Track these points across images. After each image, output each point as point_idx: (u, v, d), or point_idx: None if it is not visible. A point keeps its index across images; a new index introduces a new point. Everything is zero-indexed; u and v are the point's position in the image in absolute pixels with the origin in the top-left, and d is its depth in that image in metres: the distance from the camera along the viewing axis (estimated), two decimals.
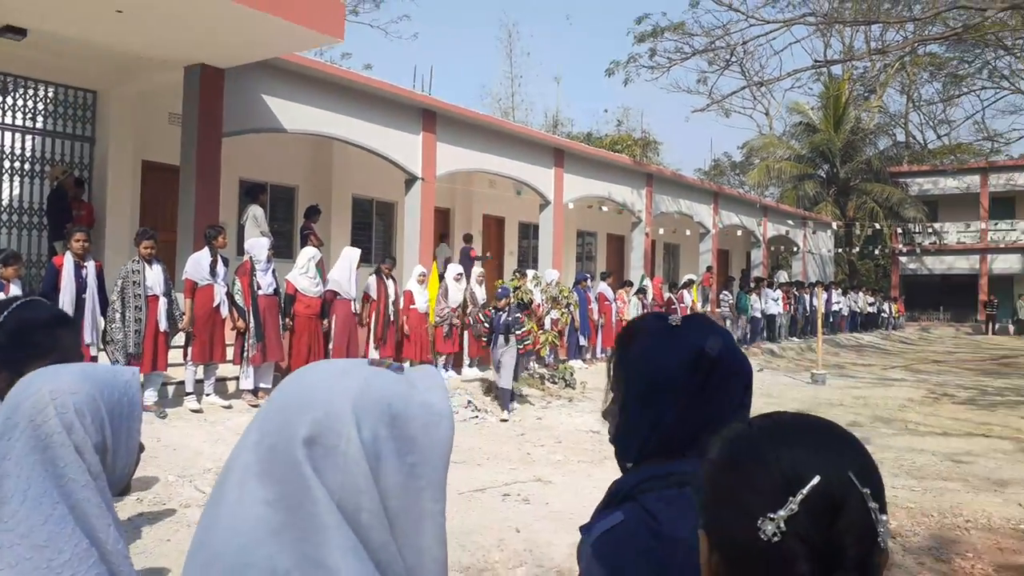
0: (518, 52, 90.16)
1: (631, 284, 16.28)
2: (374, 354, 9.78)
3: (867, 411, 11.01)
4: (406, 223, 13.44)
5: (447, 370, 11.04)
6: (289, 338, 8.63)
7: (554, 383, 11.83)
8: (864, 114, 37.25)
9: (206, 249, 8.00)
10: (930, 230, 34.07)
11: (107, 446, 1.11)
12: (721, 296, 19.53)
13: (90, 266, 7.15)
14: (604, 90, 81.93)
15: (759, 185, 33.84)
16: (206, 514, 0.77)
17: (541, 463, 7.18)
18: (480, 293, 11.84)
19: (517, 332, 9.40)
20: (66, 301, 6.82)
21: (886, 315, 30.03)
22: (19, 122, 10.23)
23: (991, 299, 32.09)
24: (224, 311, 8.00)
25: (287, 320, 8.58)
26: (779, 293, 21.21)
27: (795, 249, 29.31)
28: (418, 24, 65.46)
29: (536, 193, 16.35)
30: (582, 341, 13.91)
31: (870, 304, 28.51)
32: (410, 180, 13.18)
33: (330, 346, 9.08)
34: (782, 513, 0.71)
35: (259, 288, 8.18)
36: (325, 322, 8.99)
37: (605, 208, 19.34)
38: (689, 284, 18.36)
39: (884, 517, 0.73)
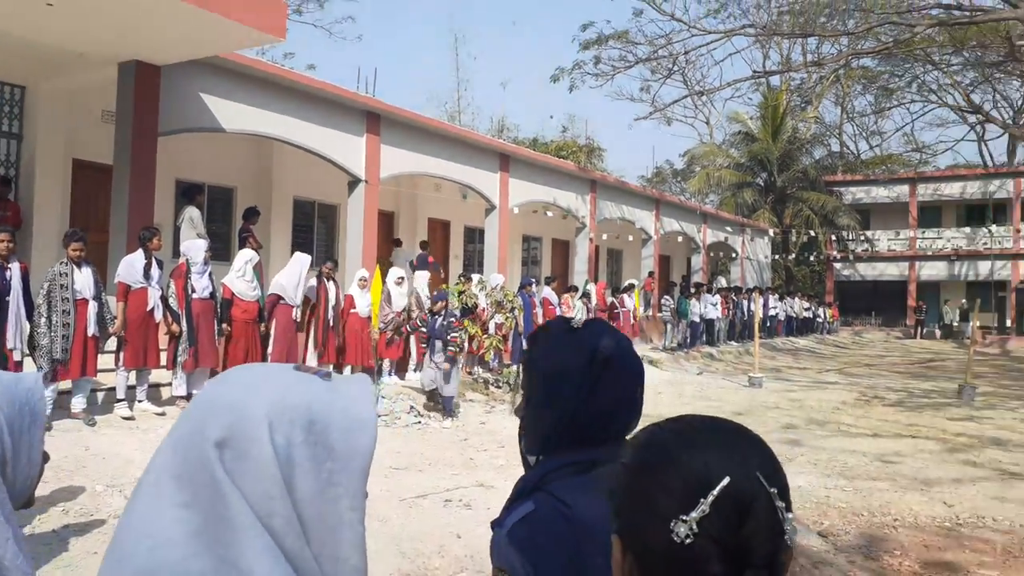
0: (464, 56, 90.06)
1: (576, 289, 16.41)
2: (312, 359, 9.64)
3: (802, 413, 11.29)
4: (349, 226, 13.29)
5: (390, 375, 10.93)
6: (225, 343, 8.43)
7: (498, 387, 11.83)
8: (801, 124, 38.35)
9: (140, 251, 7.77)
10: (862, 238, 35.23)
11: (6, 458, 1.06)
12: (662, 301, 19.82)
13: (14, 267, 6.86)
14: (550, 96, 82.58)
15: (699, 192, 34.53)
16: (122, 517, 0.76)
17: (484, 468, 7.17)
18: (427, 299, 11.79)
19: (449, 336, 9.30)
20: None
21: (821, 320, 30.91)
22: None
23: (919, 304, 33.35)
24: (158, 315, 7.78)
25: (224, 325, 8.38)
26: (718, 298, 21.63)
27: (734, 255, 29.97)
28: (363, 26, 64.89)
29: (482, 197, 16.36)
30: (526, 346, 13.93)
31: (805, 309, 29.32)
32: (353, 182, 13.04)
33: (269, 351, 8.92)
34: (694, 515, 0.72)
35: (194, 291, 7.97)
36: (263, 326, 8.82)
37: (550, 213, 19.47)
38: (630, 289, 18.58)
39: (790, 515, 0.75)
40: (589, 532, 1.09)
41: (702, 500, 0.72)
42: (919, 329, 32.58)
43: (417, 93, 77.51)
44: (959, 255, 33.61)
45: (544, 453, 1.25)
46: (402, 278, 11.07)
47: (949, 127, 52.49)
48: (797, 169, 33.63)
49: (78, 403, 7.12)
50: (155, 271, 7.79)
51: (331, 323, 9.89)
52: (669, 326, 19.58)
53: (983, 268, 33.14)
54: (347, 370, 10.33)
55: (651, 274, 22.48)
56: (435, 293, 10.19)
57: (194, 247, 8.29)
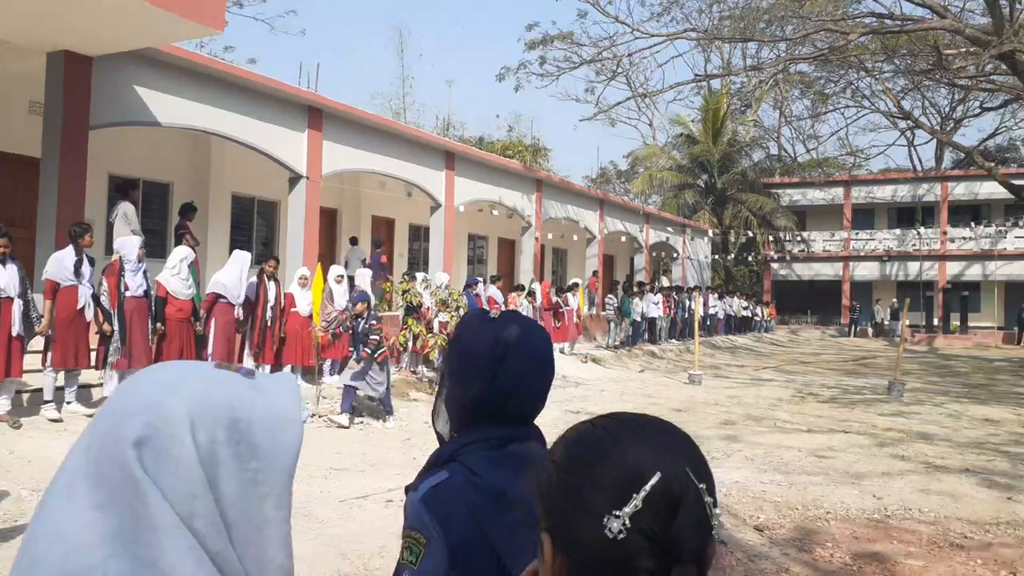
0: (410, 53, 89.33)
1: (523, 288, 16.46)
2: (248, 360, 9.45)
3: (740, 410, 11.54)
4: (290, 223, 13.06)
5: (331, 375, 10.79)
6: (158, 343, 8.20)
7: None
8: (740, 127, 39.23)
9: (70, 248, 7.50)
10: (799, 238, 36.21)
11: None
12: (606, 300, 20.03)
13: None
14: (496, 95, 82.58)
15: (642, 193, 34.99)
16: (32, 522, 0.73)
17: None
18: (372, 297, 11.65)
19: (371, 338, 8.93)
20: None
21: (759, 319, 31.66)
22: None
23: (853, 304, 34.43)
24: (89, 314, 7.52)
25: (158, 324, 8.15)
26: (660, 297, 21.97)
27: (675, 255, 30.48)
28: (306, 20, 63.87)
29: (427, 195, 16.27)
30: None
31: (744, 308, 30.00)
32: (294, 179, 12.82)
33: (208, 351, 8.72)
34: (627, 510, 0.73)
35: (127, 289, 7.74)
36: (198, 325, 8.61)
37: (496, 212, 19.48)
38: (574, 288, 18.73)
39: (717, 511, 0.76)
40: (497, 499, 1.23)
41: (635, 495, 0.73)
42: (852, 328, 33.65)
43: (361, 89, 76.67)
44: (890, 256, 34.82)
45: (457, 431, 1.37)
46: (342, 276, 10.92)
47: (881, 132, 54.35)
48: (736, 171, 34.40)
49: (2, 405, 6.85)
50: (86, 268, 7.53)
51: (269, 322, 9.71)
52: (612, 324, 19.81)
53: (912, 269, 34.41)
54: (286, 369, 10.16)
55: (595, 273, 22.70)
56: (354, 294, 9.88)
57: (128, 244, 8.06)
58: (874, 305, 34.79)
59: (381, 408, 9.31)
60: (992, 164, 23.61)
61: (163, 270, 8.55)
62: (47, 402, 7.28)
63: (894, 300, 33.28)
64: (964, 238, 33.06)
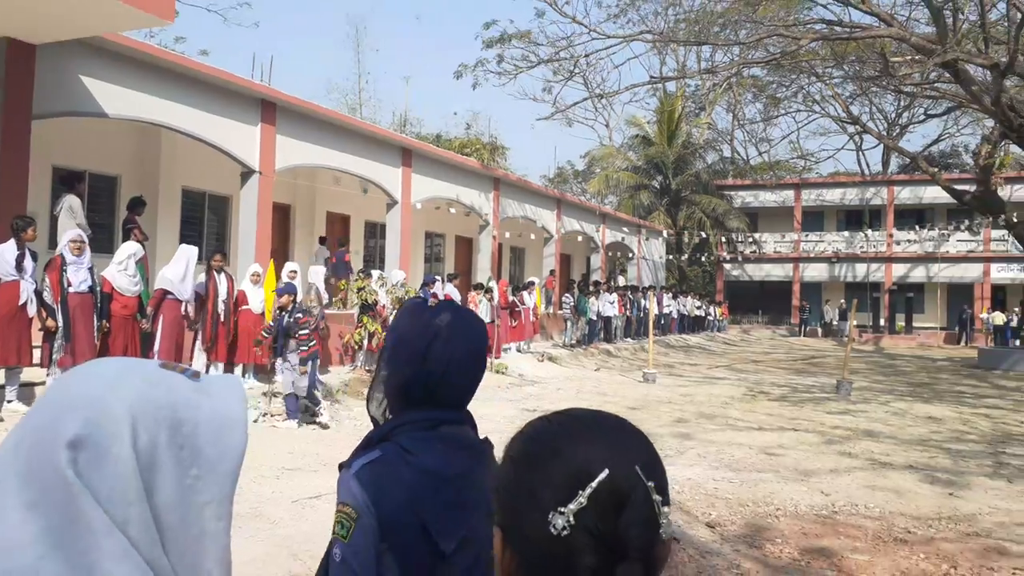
0: (366, 48, 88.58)
1: (482, 287, 16.42)
2: (200, 357, 9.24)
3: (693, 407, 11.69)
4: (242, 219, 12.82)
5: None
6: (103, 340, 7.98)
7: None
8: (695, 130, 39.76)
9: (12, 241, 7.26)
10: (751, 240, 36.88)
11: None
12: (563, 299, 20.12)
13: None
14: (454, 93, 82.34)
15: (599, 193, 35.26)
16: None
17: None
18: (325, 294, 11.51)
19: (300, 334, 8.64)
20: None
21: (711, 318, 32.16)
22: None
23: (803, 304, 35.19)
24: (31, 310, 7.28)
25: (103, 321, 7.92)
26: (615, 296, 22.15)
27: (631, 255, 30.77)
28: (260, 12, 62.82)
29: (383, 192, 16.12)
30: None
31: (697, 308, 30.43)
32: (247, 173, 12.58)
33: (155, 349, 8.51)
34: (571, 507, 0.72)
35: (70, 285, 7.51)
36: (144, 322, 8.39)
37: (453, 210, 19.41)
38: (531, 286, 18.77)
39: (666, 509, 0.76)
40: (429, 476, 1.29)
41: (580, 492, 0.73)
42: (802, 327, 34.38)
43: (316, 84, 75.76)
44: (839, 258, 35.67)
45: (392, 413, 1.41)
46: (295, 271, 10.74)
47: (831, 136, 55.57)
48: (691, 173, 34.88)
49: None
50: (28, 263, 7.29)
51: (222, 316, 9.51)
52: (569, 323, 19.91)
53: (860, 270, 35.29)
54: (238, 369, 9.98)
55: (552, 272, 22.79)
56: (280, 286, 9.50)
57: (65, 236, 7.82)
58: (823, 305, 35.61)
59: (309, 404, 8.99)
60: (936, 170, 24.32)
61: (110, 265, 8.32)
62: None
63: (842, 301, 34.10)
64: (909, 241, 34.02)
